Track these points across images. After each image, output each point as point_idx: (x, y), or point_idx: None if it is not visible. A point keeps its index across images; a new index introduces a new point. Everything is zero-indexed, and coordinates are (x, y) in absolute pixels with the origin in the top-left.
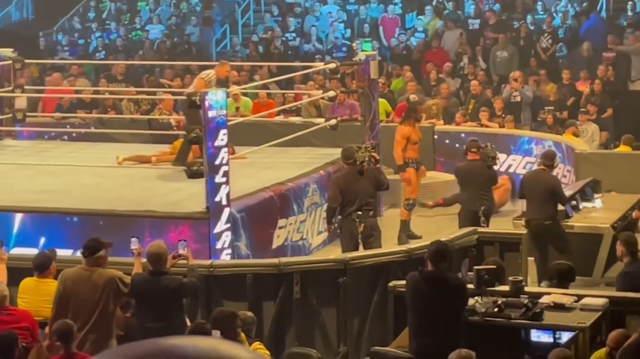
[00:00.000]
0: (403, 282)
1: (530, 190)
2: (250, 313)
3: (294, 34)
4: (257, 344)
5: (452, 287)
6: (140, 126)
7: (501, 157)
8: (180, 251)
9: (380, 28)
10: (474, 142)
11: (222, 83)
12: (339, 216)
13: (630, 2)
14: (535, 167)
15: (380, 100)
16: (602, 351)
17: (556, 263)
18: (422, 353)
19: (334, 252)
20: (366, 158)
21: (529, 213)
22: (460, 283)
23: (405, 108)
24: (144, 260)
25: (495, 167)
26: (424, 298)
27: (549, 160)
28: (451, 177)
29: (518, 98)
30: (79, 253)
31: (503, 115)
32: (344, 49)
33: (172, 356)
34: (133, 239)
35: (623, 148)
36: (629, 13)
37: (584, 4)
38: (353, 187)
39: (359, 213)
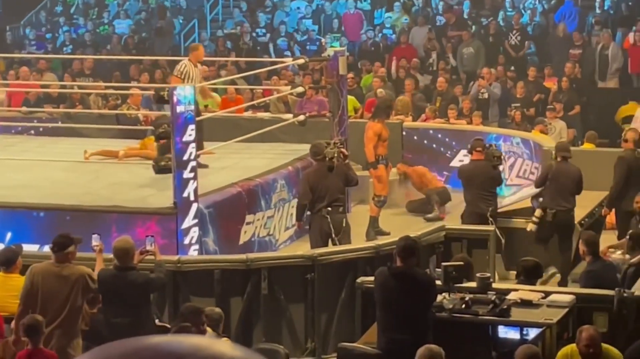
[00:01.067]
0: (371, 278)
1: (557, 181)
2: (217, 309)
3: (263, 30)
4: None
5: (420, 283)
6: (108, 121)
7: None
8: (148, 247)
9: (344, 24)
10: (479, 141)
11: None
12: (308, 213)
13: (597, 0)
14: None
15: (349, 96)
16: (569, 347)
17: (522, 260)
18: (390, 349)
19: (302, 248)
20: (335, 154)
21: (554, 203)
22: (429, 279)
23: (374, 105)
24: (106, 255)
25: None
26: (392, 293)
27: (567, 151)
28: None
29: (486, 95)
30: (45, 248)
31: (470, 114)
32: (310, 46)
33: (159, 354)
34: (94, 236)
35: (587, 146)
36: (597, 10)
37: (552, 1)
38: (323, 183)
39: (329, 209)
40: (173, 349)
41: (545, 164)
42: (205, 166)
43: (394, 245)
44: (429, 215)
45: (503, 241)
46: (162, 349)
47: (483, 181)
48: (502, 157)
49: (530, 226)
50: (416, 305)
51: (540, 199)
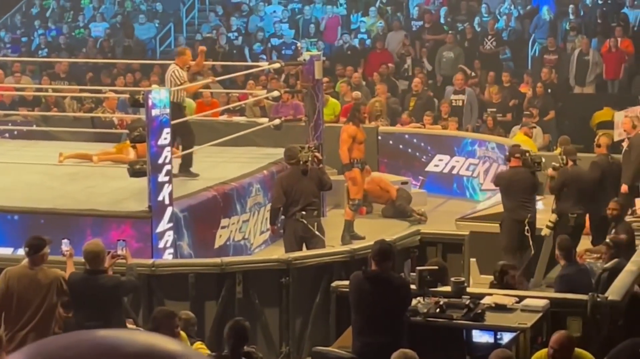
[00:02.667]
0: (345, 282)
1: (575, 185)
2: (191, 313)
3: (235, 34)
4: (198, 344)
5: (395, 287)
6: (83, 124)
7: (444, 158)
8: (119, 252)
9: (322, 28)
10: (517, 147)
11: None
12: (282, 217)
13: (571, 6)
14: (569, 165)
15: (333, 100)
16: (543, 351)
17: (501, 264)
18: (364, 352)
19: (277, 252)
20: (309, 158)
21: (575, 207)
22: (404, 282)
23: (347, 109)
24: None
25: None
26: (367, 297)
27: (575, 154)
28: (395, 177)
29: (460, 102)
30: (19, 251)
31: (448, 119)
32: (286, 50)
33: (100, 347)
34: (64, 241)
35: (560, 151)
36: (571, 17)
37: (528, 7)
38: (297, 187)
39: (303, 213)
40: (115, 343)
41: (560, 171)
42: (196, 175)
43: (369, 249)
44: (412, 218)
45: (532, 251)
46: (104, 343)
47: (524, 187)
48: (542, 163)
49: (545, 232)
50: (391, 309)
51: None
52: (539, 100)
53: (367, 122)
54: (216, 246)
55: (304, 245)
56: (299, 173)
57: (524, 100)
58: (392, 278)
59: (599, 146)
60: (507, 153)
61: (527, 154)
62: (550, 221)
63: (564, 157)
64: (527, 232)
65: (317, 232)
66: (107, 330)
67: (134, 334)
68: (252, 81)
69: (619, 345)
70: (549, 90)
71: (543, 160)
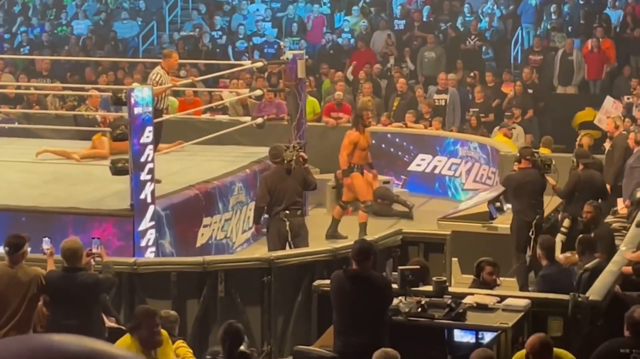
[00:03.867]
0: (327, 281)
1: (587, 188)
2: (173, 312)
3: (219, 32)
4: (180, 343)
5: (376, 286)
6: (65, 122)
7: (426, 157)
8: (94, 250)
9: (308, 28)
10: (528, 149)
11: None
12: (266, 216)
13: (554, 5)
14: (579, 168)
15: (311, 99)
16: (523, 351)
17: (480, 259)
18: (346, 352)
19: (259, 251)
20: (294, 157)
21: (580, 211)
22: (385, 281)
23: (329, 108)
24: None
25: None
26: (348, 296)
27: (588, 157)
28: (379, 177)
29: (443, 102)
30: (0, 249)
31: (430, 118)
32: (268, 49)
33: (50, 352)
34: (45, 239)
35: (543, 150)
36: (553, 17)
37: (510, 7)
38: (281, 186)
39: (287, 212)
40: (59, 346)
41: (571, 174)
42: (158, 181)
43: (351, 248)
44: (399, 209)
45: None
46: (55, 348)
47: (534, 189)
48: (553, 164)
49: (560, 237)
50: (372, 308)
51: (497, 204)
52: (518, 99)
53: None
54: (198, 244)
55: (287, 244)
56: (283, 172)
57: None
58: (373, 277)
59: (580, 146)
60: (518, 155)
61: (538, 156)
62: (564, 226)
63: (575, 160)
64: (532, 234)
65: (292, 234)
66: (57, 335)
67: (81, 340)
68: (235, 80)
69: (600, 347)
70: (530, 91)
71: (553, 162)
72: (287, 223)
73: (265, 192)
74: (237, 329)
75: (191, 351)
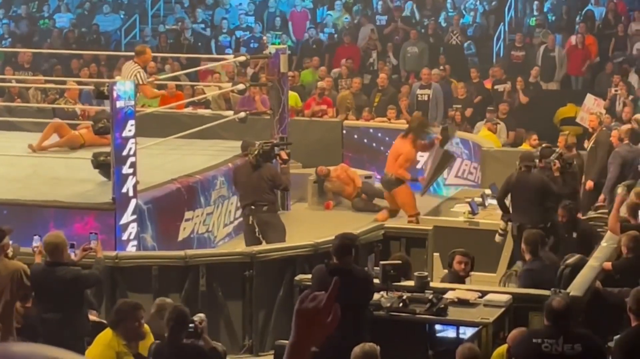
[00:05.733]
0: (309, 276)
1: (518, 192)
2: (169, 300)
3: (202, 25)
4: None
5: (357, 280)
6: (46, 115)
7: None
8: (92, 245)
9: (290, 22)
10: (549, 149)
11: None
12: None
13: (536, 2)
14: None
15: (292, 93)
16: (504, 346)
17: (454, 251)
18: (326, 346)
19: (241, 245)
20: (255, 153)
21: (516, 216)
22: (366, 275)
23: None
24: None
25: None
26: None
27: (530, 160)
28: (359, 171)
29: (426, 97)
30: None
31: (410, 113)
32: (253, 43)
33: None
34: (35, 237)
35: (526, 146)
36: (535, 12)
37: (493, 3)
38: (242, 181)
39: (252, 207)
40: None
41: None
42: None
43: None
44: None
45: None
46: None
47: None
48: (574, 164)
49: (498, 239)
50: (353, 302)
51: (478, 199)
52: (509, 94)
53: (337, 116)
54: (180, 238)
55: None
56: (249, 167)
57: (489, 96)
58: (355, 271)
59: (569, 147)
60: (539, 155)
61: (561, 155)
62: (500, 228)
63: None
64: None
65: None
66: (15, 344)
67: (37, 348)
68: (217, 74)
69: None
70: (517, 87)
71: (574, 161)
72: (251, 219)
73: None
74: (182, 312)
75: None
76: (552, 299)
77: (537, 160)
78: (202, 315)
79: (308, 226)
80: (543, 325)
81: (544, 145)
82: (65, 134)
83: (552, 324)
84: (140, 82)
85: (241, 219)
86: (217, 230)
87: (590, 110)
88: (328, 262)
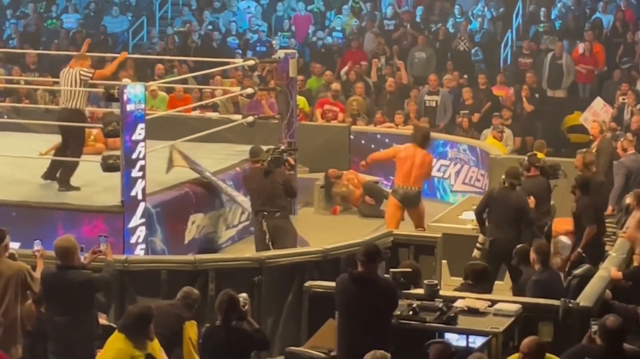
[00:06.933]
0: (318, 282)
1: (496, 208)
2: (196, 291)
3: (210, 27)
4: (189, 323)
5: (380, 289)
6: (54, 117)
7: None
8: (101, 248)
9: (293, 26)
10: (535, 157)
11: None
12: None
13: (544, 9)
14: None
15: (300, 98)
16: (514, 356)
17: (470, 264)
18: (350, 355)
19: (245, 249)
20: (268, 159)
21: (492, 232)
22: (389, 285)
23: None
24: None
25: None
26: (352, 299)
27: (516, 178)
28: (366, 177)
29: (434, 103)
30: None
31: (418, 118)
32: (260, 47)
33: None
34: (36, 241)
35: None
36: (543, 19)
37: (501, 9)
38: (256, 187)
39: (265, 213)
40: None
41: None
42: (77, 188)
43: (342, 249)
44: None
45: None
46: None
47: (542, 197)
48: (561, 169)
49: (475, 253)
50: (375, 312)
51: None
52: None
53: (346, 121)
54: (186, 241)
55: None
56: (260, 173)
57: (497, 102)
58: (378, 280)
59: (586, 165)
60: (526, 163)
61: (544, 162)
62: (479, 242)
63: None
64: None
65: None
66: None
67: None
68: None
69: (569, 350)
70: (524, 94)
71: (561, 167)
72: (264, 225)
73: (247, 190)
74: (232, 296)
75: (195, 334)
76: (607, 318)
77: (524, 170)
78: (245, 295)
79: (315, 231)
80: (591, 342)
81: (530, 153)
82: None
83: (606, 345)
84: (89, 77)
85: (246, 223)
86: (222, 232)
87: (597, 113)
88: (352, 271)
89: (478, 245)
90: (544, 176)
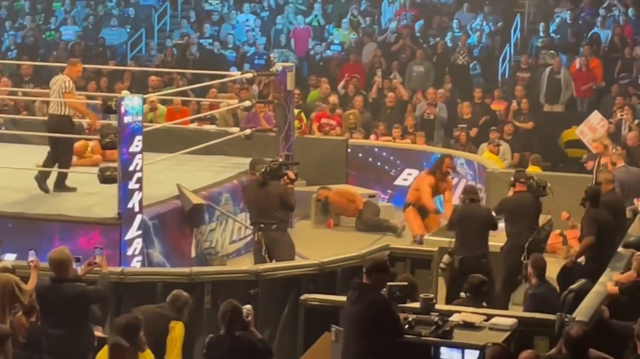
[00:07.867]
0: (314, 295)
1: (463, 225)
2: (185, 293)
3: (210, 40)
4: (175, 323)
5: (368, 302)
6: None
7: (413, 172)
8: (97, 260)
9: (292, 40)
10: (522, 173)
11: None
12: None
13: (542, 24)
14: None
15: (297, 111)
16: None
17: (470, 277)
18: None
19: (248, 263)
20: (262, 171)
21: (461, 249)
22: (379, 299)
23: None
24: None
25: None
26: (346, 307)
27: (474, 194)
28: (362, 190)
29: (432, 116)
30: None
31: (415, 133)
32: (258, 59)
33: None
34: (30, 251)
35: (532, 169)
36: (541, 34)
37: (499, 24)
38: (252, 198)
39: (261, 225)
40: None
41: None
42: (74, 189)
43: (338, 262)
44: (389, 230)
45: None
46: None
47: (529, 213)
48: (548, 186)
49: (440, 273)
50: (364, 324)
51: None
52: (517, 115)
53: (342, 134)
54: (193, 254)
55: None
56: (256, 185)
57: (494, 117)
58: (370, 293)
59: (600, 184)
60: (512, 179)
61: (532, 179)
62: (443, 261)
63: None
64: (524, 259)
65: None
66: None
67: None
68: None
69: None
70: (521, 108)
71: (548, 184)
72: (258, 237)
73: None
74: (235, 307)
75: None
76: (571, 327)
77: (510, 186)
78: (249, 306)
79: (312, 244)
80: (559, 352)
81: (517, 169)
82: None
83: (571, 354)
84: (65, 90)
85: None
86: (221, 246)
87: (594, 127)
88: (356, 281)
89: (442, 265)
90: (530, 192)
